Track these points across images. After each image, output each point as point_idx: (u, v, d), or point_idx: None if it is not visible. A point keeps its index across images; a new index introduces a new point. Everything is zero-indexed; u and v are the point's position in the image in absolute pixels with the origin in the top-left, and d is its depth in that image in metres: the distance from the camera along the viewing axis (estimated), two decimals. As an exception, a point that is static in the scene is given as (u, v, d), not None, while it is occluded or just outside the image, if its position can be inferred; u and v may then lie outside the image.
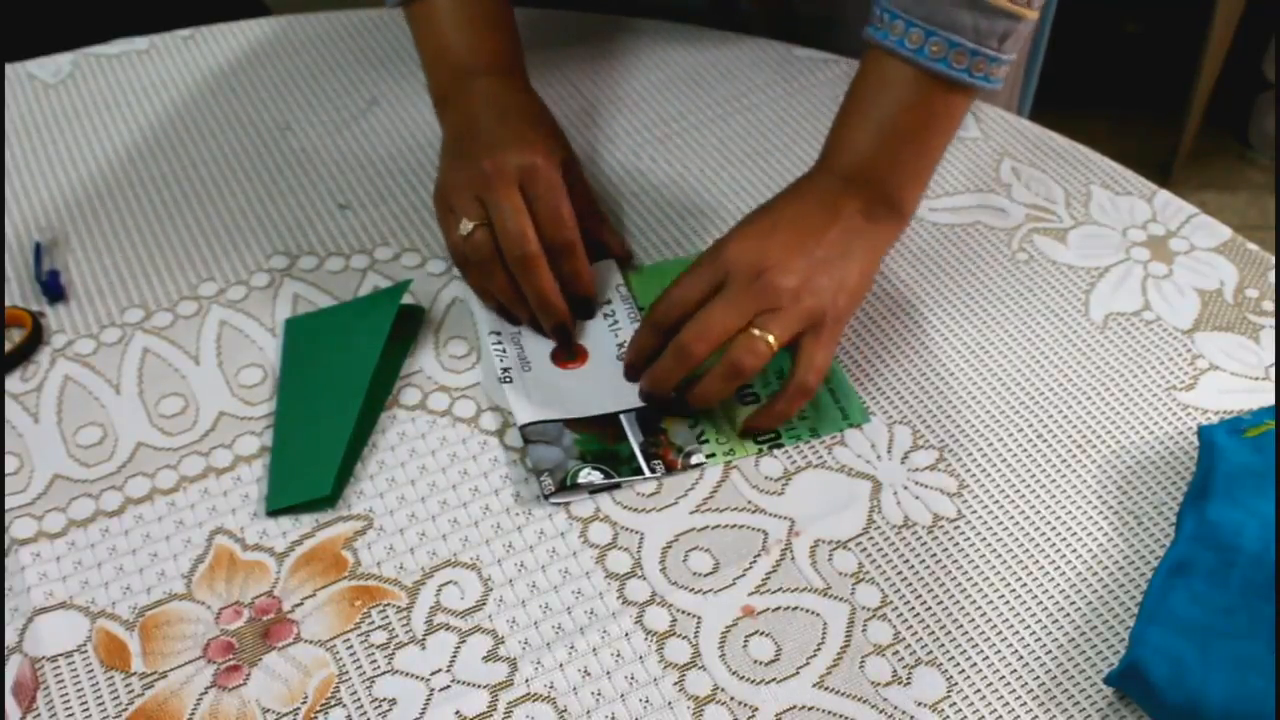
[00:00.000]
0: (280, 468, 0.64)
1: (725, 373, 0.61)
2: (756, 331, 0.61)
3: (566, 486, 0.62)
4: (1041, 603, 0.58)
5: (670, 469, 0.63)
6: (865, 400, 0.67)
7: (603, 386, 0.67)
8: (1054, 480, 0.63)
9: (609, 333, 0.70)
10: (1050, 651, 0.57)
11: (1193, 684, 0.52)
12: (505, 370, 0.67)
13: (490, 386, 0.68)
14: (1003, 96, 0.99)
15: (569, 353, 0.69)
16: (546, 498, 0.62)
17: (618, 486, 0.63)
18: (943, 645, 0.57)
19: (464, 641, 0.57)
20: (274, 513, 0.62)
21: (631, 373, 0.66)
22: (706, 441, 0.64)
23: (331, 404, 0.66)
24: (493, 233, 0.67)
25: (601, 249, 0.73)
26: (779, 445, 0.64)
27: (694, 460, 0.63)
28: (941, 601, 0.58)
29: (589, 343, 0.70)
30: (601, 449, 0.64)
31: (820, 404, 0.66)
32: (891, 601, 0.58)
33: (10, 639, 0.58)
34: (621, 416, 0.66)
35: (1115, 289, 0.73)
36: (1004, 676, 0.56)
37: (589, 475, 0.62)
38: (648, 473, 0.63)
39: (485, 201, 0.67)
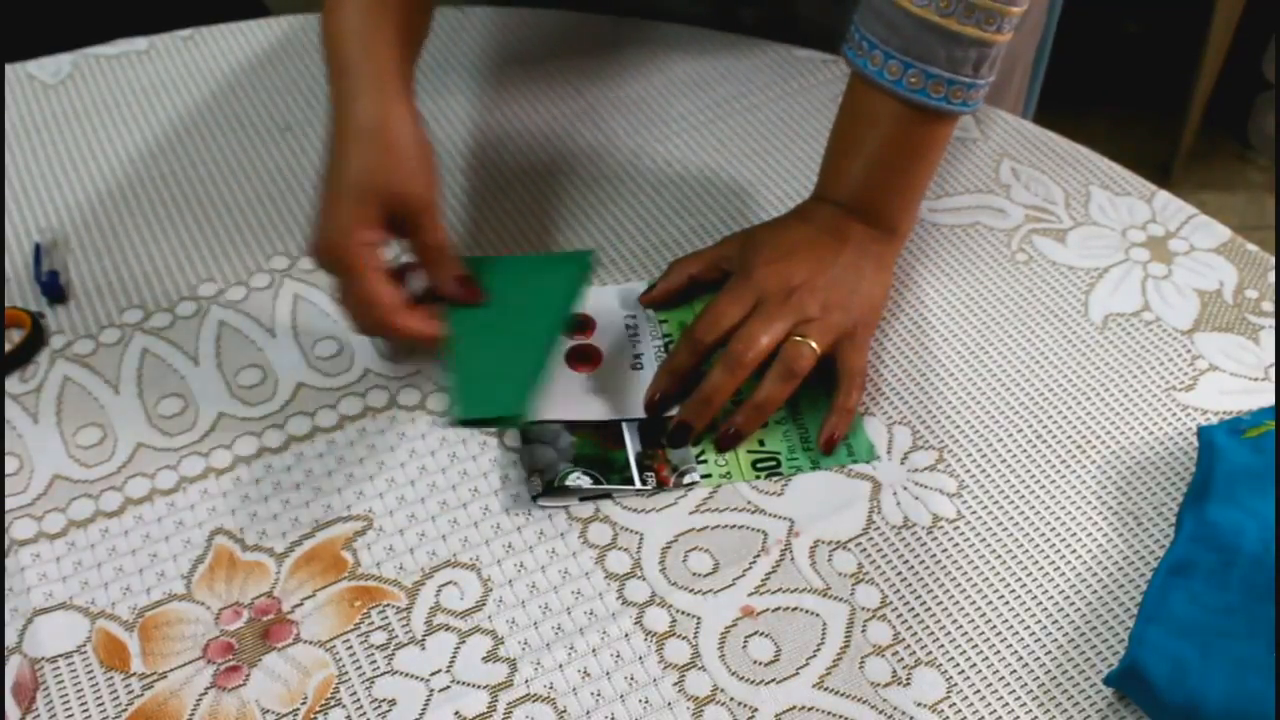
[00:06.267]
0: (468, 382, 0.63)
1: (781, 373, 0.64)
2: (799, 338, 0.64)
3: (554, 489, 0.62)
4: (1041, 603, 0.58)
5: (662, 485, 0.63)
6: (873, 440, 0.67)
7: (611, 393, 0.67)
8: (1054, 480, 0.63)
9: (627, 342, 0.70)
10: (1050, 652, 0.57)
11: (1192, 684, 0.52)
12: None
13: None
14: (1009, 99, 1.00)
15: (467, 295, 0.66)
16: (534, 499, 0.62)
17: (607, 496, 0.63)
18: (942, 646, 0.57)
19: (464, 642, 0.57)
20: (463, 423, 0.62)
21: (661, 401, 0.66)
22: (704, 461, 0.64)
23: (519, 338, 0.65)
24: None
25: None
26: (777, 474, 0.64)
27: (687, 480, 0.63)
28: (941, 602, 0.58)
29: (605, 347, 0.70)
30: (597, 454, 0.64)
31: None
32: (891, 602, 0.58)
33: (10, 639, 0.58)
34: (624, 425, 0.66)
35: (1115, 289, 0.73)
36: (1004, 677, 0.56)
37: (578, 479, 0.62)
38: (639, 484, 0.63)
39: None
